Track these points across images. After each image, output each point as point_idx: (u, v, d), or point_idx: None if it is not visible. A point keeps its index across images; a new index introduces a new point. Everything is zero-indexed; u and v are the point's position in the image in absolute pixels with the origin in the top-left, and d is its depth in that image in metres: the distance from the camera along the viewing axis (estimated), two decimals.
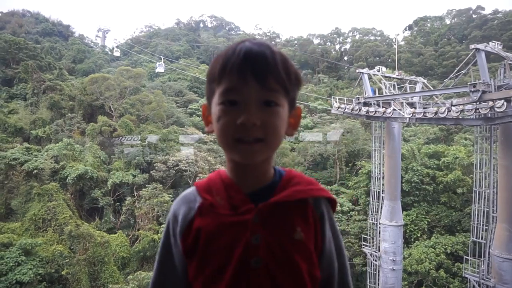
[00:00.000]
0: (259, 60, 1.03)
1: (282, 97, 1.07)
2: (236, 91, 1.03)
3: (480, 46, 15.96)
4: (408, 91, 22.45)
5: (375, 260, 22.48)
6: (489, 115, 16.08)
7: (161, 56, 63.65)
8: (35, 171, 29.88)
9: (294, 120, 1.16)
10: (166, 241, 1.19)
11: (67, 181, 30.92)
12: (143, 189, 32.07)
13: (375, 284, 22.72)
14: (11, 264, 23.66)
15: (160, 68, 59.29)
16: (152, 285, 1.22)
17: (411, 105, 20.36)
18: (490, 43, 16.87)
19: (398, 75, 25.27)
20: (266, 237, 1.08)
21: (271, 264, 1.06)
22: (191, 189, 1.20)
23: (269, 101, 1.04)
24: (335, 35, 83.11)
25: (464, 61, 17.97)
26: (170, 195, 31.85)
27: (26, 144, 34.03)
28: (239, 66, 1.02)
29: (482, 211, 18.85)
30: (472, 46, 16.14)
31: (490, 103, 15.23)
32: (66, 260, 25.22)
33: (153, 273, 1.22)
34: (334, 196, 1.22)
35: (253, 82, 1.02)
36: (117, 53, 71.13)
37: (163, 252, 1.19)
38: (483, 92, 15.36)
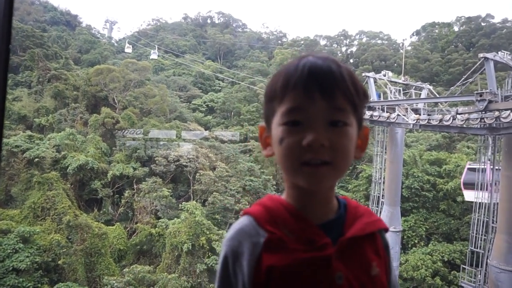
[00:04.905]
0: (326, 76, 0.95)
1: (350, 116, 0.98)
2: (301, 110, 0.95)
3: (489, 55, 15.85)
4: (413, 97, 22.37)
5: None
6: (494, 125, 15.97)
7: (156, 45, 66.32)
8: (36, 159, 29.90)
9: (362, 142, 1.05)
10: (225, 281, 1.03)
11: (67, 171, 30.94)
12: (143, 182, 32.08)
13: None
14: (9, 251, 23.70)
15: (154, 55, 64.49)
16: None
17: (416, 111, 20.27)
18: (499, 52, 16.77)
19: (404, 80, 25.13)
20: (347, 275, 0.98)
21: None
22: (247, 221, 1.03)
23: (336, 121, 0.95)
24: (341, 37, 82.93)
25: (472, 69, 17.87)
26: (170, 190, 31.85)
27: (28, 132, 34.02)
28: (304, 82, 0.94)
29: (481, 220, 18.78)
30: (481, 55, 16.04)
31: (496, 113, 15.15)
32: (63, 250, 25.23)
33: None
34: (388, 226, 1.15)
35: (320, 99, 0.94)
36: (128, 50, 69.12)
37: None
38: (490, 101, 15.28)
